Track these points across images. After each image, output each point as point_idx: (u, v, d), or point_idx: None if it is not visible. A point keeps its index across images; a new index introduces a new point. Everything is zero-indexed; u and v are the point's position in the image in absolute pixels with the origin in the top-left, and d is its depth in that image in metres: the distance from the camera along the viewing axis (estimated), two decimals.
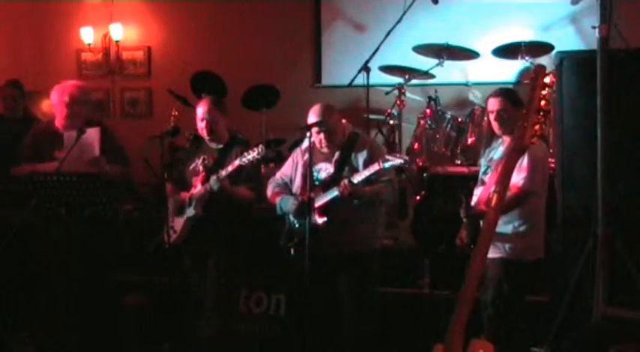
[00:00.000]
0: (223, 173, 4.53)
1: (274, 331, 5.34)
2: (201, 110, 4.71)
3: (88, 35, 7.81)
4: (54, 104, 4.92)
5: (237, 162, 4.48)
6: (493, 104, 4.32)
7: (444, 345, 2.69)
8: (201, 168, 4.71)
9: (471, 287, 2.70)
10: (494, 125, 4.34)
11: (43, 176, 4.69)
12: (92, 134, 4.76)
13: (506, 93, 4.33)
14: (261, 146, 4.45)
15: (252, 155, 4.42)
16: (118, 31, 7.82)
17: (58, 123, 4.88)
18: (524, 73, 6.25)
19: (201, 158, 4.74)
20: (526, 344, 4.39)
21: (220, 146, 4.76)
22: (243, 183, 4.63)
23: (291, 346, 5.19)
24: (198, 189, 4.66)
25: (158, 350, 5.11)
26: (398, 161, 4.20)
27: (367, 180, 4.28)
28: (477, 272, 2.75)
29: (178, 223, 4.71)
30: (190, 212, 4.66)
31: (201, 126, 4.73)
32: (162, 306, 5.28)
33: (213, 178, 4.55)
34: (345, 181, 4.23)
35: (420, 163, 6.12)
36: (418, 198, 5.95)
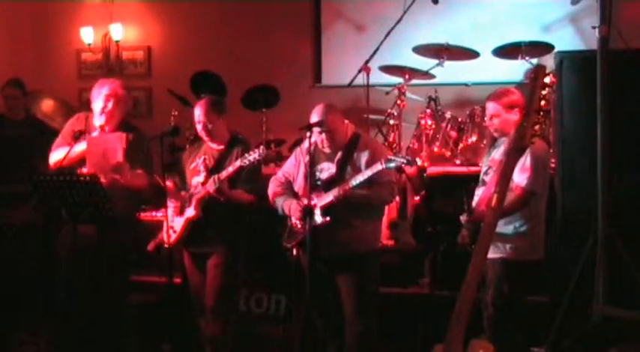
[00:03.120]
0: (224, 174, 4.53)
1: (274, 331, 5.34)
2: (196, 113, 4.71)
3: (88, 35, 7.80)
4: (92, 97, 4.82)
5: (237, 163, 4.48)
6: (488, 108, 4.37)
7: (444, 345, 2.70)
8: (201, 168, 4.70)
9: (471, 287, 2.71)
10: (490, 129, 4.38)
11: (43, 176, 4.68)
12: (115, 139, 4.73)
13: (499, 98, 4.32)
14: (262, 147, 4.44)
15: (252, 156, 4.42)
16: (118, 31, 7.82)
17: (96, 119, 4.83)
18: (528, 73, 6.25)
19: (202, 158, 4.74)
20: (526, 344, 4.39)
21: (221, 146, 4.76)
22: (242, 183, 4.62)
23: (291, 346, 5.19)
24: (198, 189, 4.65)
25: (158, 350, 5.11)
26: (400, 161, 4.21)
27: (368, 180, 4.28)
28: (477, 273, 2.75)
29: (178, 223, 4.71)
30: (190, 212, 4.66)
31: (198, 128, 4.73)
32: (162, 306, 5.29)
33: (211, 180, 4.55)
34: (341, 188, 4.25)
35: (420, 163, 6.12)
36: (418, 198, 5.95)
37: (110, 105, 4.75)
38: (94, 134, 4.77)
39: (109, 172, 4.63)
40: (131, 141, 4.78)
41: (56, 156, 4.80)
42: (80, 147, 4.71)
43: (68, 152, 4.67)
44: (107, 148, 4.71)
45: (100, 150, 4.71)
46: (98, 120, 4.80)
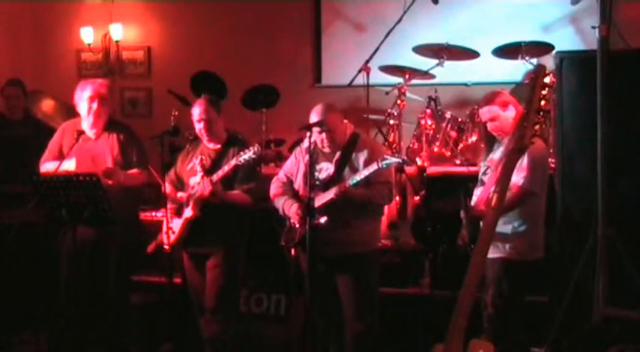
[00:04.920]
0: (220, 173, 4.52)
1: (274, 331, 5.34)
2: (197, 111, 4.70)
3: (88, 35, 7.81)
4: (76, 101, 4.87)
5: (233, 162, 4.47)
6: (483, 114, 4.37)
7: (444, 345, 2.70)
8: (198, 168, 4.69)
9: (470, 287, 2.70)
10: (494, 133, 4.38)
11: (43, 176, 4.68)
12: (103, 144, 4.74)
13: (491, 100, 4.34)
14: (257, 145, 4.43)
15: (248, 154, 4.40)
16: (118, 31, 7.82)
17: (84, 120, 4.85)
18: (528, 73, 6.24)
19: (199, 158, 4.73)
20: (526, 344, 4.39)
21: (218, 146, 4.75)
22: (239, 183, 4.61)
23: (291, 346, 5.19)
24: (195, 189, 4.64)
25: (158, 350, 5.11)
26: (395, 160, 4.21)
27: (366, 180, 4.28)
28: (477, 272, 2.75)
29: (177, 224, 4.70)
30: (188, 213, 4.64)
31: (199, 127, 4.71)
32: (162, 306, 5.29)
33: (206, 181, 4.54)
34: (340, 186, 4.25)
35: (420, 163, 6.12)
36: (418, 198, 5.95)
37: (95, 105, 4.79)
38: (80, 143, 4.79)
39: (101, 178, 4.63)
40: (122, 141, 4.80)
41: (46, 168, 4.83)
42: (68, 165, 4.74)
43: (57, 168, 4.72)
44: (96, 155, 4.72)
45: (89, 158, 4.72)
46: (86, 123, 4.82)
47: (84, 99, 4.79)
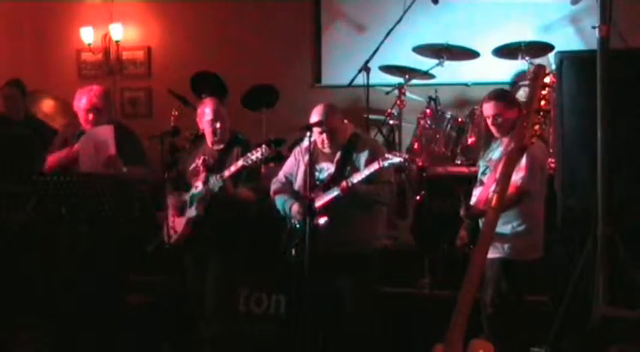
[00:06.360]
0: (226, 173, 4.52)
1: (274, 331, 5.34)
2: (209, 110, 4.69)
3: (88, 35, 7.81)
4: (75, 108, 4.92)
5: (240, 163, 4.47)
6: (487, 109, 4.34)
7: (444, 345, 2.70)
8: (201, 168, 4.70)
9: (470, 287, 2.70)
10: (493, 129, 4.36)
11: (43, 176, 4.68)
12: (105, 131, 4.75)
13: (499, 96, 4.34)
14: (265, 147, 4.44)
15: (255, 156, 4.41)
16: (118, 31, 7.82)
17: (83, 125, 4.89)
18: (520, 75, 6.24)
19: (202, 158, 4.73)
20: (526, 344, 4.39)
21: (221, 146, 4.76)
22: (243, 183, 4.62)
23: (291, 346, 5.19)
24: (199, 189, 4.65)
25: (158, 350, 5.11)
26: (397, 159, 4.20)
27: (367, 180, 4.28)
28: (477, 272, 2.75)
29: (179, 224, 4.71)
30: (191, 212, 4.65)
31: (216, 126, 4.69)
32: (162, 306, 5.29)
33: (214, 179, 4.54)
34: (346, 182, 4.25)
35: (420, 163, 6.12)
36: (418, 198, 5.95)
37: (91, 116, 4.82)
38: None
39: (103, 167, 4.63)
40: (122, 143, 4.79)
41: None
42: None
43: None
44: (98, 141, 4.72)
45: (91, 145, 4.72)
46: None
47: (80, 109, 4.85)
